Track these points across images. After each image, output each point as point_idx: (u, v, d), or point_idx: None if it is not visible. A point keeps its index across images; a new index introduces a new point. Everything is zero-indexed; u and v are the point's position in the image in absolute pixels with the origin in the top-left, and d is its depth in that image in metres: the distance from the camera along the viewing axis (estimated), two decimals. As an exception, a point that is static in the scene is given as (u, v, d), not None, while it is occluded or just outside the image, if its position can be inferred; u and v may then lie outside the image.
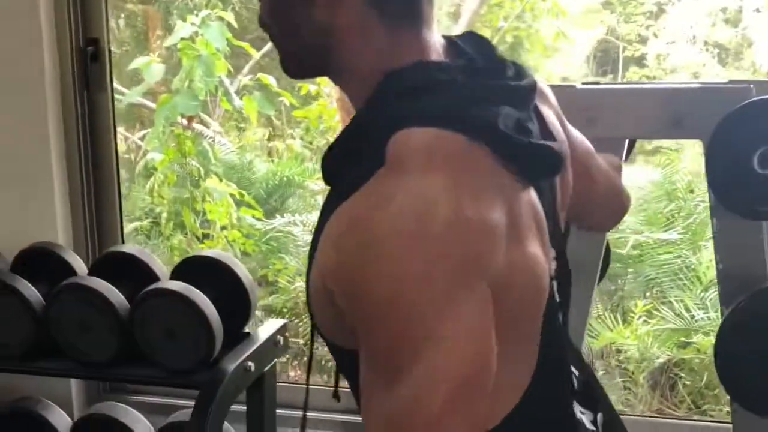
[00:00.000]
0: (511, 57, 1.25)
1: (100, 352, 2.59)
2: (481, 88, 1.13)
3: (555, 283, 1.23)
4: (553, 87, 1.96)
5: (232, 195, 5.08)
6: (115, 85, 6.59)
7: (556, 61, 6.34)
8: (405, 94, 1.11)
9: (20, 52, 2.94)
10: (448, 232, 0.99)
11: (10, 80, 2.95)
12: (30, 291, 2.62)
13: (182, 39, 5.81)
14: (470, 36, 1.26)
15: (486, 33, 4.59)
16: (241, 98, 6.05)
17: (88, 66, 3.04)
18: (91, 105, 3.08)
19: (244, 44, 5.95)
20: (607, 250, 2.28)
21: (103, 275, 2.68)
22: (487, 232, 1.02)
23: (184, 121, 5.90)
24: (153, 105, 6.10)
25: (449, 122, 1.06)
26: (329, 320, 1.15)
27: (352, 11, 1.13)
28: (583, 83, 2.13)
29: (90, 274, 2.77)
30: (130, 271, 2.72)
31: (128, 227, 5.48)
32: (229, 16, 5.86)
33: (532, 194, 1.15)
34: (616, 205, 1.72)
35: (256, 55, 6.15)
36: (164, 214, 5.43)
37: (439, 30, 1.23)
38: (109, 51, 3.09)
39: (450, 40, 1.24)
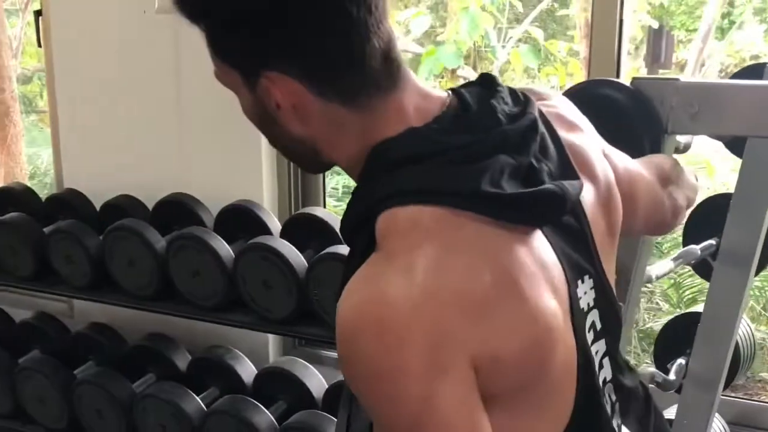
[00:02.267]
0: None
1: (279, 309, 2.74)
2: (466, 148, 1.09)
3: (596, 312, 1.21)
4: (656, 81, 1.87)
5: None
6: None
7: None
8: (388, 168, 1.10)
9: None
10: (411, 318, 0.99)
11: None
12: (223, 249, 2.82)
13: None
14: (480, 81, 1.22)
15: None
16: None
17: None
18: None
19: (513, -3, 5.96)
20: (769, 237, 2.13)
21: (292, 235, 2.85)
22: (456, 305, 1.01)
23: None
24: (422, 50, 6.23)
25: (431, 197, 1.05)
26: None
27: (317, 114, 1.12)
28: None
29: (282, 233, 2.93)
30: (318, 233, 2.85)
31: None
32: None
33: (536, 242, 1.11)
34: (659, 217, 1.61)
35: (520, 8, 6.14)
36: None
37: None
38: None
39: (456, 91, 1.19)
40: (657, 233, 1.82)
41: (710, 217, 2.23)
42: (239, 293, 2.81)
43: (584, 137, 1.30)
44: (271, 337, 3.27)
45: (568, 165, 1.19)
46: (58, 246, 3.09)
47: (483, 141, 1.10)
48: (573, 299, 1.14)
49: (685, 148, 1.99)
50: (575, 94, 1.67)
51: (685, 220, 2.39)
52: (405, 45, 6.39)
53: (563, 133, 1.24)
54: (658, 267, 2.09)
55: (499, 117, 1.13)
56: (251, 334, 3.07)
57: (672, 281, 4.72)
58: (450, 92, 1.18)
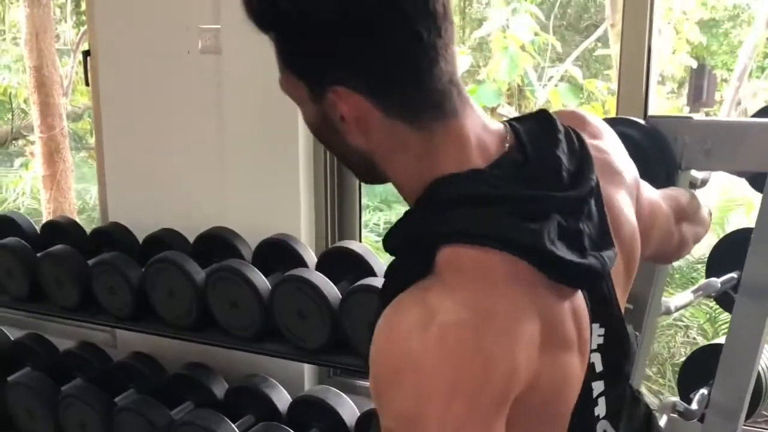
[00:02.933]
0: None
1: (313, 339, 2.82)
2: (528, 202, 1.14)
3: (598, 355, 1.27)
4: (670, 119, 1.94)
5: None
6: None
7: None
8: (453, 204, 1.14)
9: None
10: (473, 368, 1.04)
11: (266, 86, 3.22)
12: (260, 280, 2.91)
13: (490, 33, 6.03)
14: (537, 119, 1.26)
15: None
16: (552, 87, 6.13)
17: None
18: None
19: (551, 38, 6.04)
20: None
21: (327, 268, 2.93)
22: (512, 370, 1.06)
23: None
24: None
25: (495, 242, 1.10)
26: None
27: (379, 129, 1.16)
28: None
29: (318, 265, 3.01)
30: (353, 266, 2.93)
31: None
32: (536, 11, 5.96)
33: (576, 299, 1.19)
34: (665, 248, 1.66)
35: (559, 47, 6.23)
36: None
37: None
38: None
39: (513, 127, 1.24)
40: (659, 262, 1.88)
41: (732, 251, 2.28)
42: (275, 323, 2.90)
43: (623, 191, 1.36)
44: (306, 366, 3.34)
45: (606, 231, 1.24)
46: (102, 277, 3.20)
47: (544, 201, 1.15)
48: (590, 334, 1.22)
49: (702, 184, 2.05)
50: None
51: (708, 253, 2.45)
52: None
53: (606, 186, 1.28)
54: (677, 299, 2.15)
55: (563, 176, 1.18)
56: (287, 364, 3.14)
57: (708, 316, 4.74)
58: (507, 125, 1.23)
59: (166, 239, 3.34)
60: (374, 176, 1.26)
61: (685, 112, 7.06)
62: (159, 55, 3.48)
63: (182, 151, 3.49)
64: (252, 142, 3.31)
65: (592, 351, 1.25)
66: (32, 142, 7.71)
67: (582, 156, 1.22)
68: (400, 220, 1.22)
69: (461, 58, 6.27)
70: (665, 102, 7.54)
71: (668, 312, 2.08)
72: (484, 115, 1.22)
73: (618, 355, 1.32)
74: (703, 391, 2.26)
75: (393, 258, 1.23)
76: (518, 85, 6.46)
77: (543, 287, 1.12)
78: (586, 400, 1.25)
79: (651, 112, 2.83)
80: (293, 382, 3.28)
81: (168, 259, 3.07)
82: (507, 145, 1.19)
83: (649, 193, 1.52)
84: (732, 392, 2.18)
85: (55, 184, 6.51)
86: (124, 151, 3.66)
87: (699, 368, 2.39)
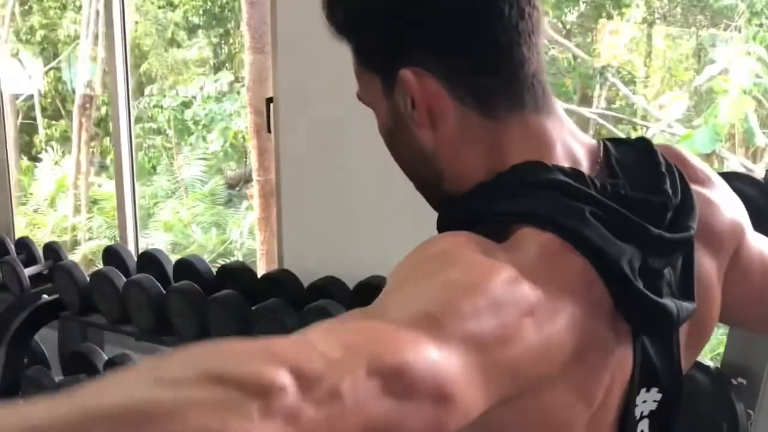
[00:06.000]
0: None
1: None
2: (623, 220, 1.01)
3: (647, 421, 1.13)
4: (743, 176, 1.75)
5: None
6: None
7: None
8: (538, 188, 1.02)
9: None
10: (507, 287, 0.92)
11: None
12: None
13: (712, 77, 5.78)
14: (636, 147, 1.14)
15: None
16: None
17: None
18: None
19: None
20: None
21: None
22: (541, 312, 0.93)
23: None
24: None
25: (579, 241, 0.98)
26: None
27: (450, 119, 1.08)
28: None
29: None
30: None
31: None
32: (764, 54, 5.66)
33: (621, 336, 1.04)
34: None
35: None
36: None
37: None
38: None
39: (605, 147, 1.12)
40: (759, 331, 1.67)
41: None
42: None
43: (717, 257, 1.20)
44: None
45: (690, 283, 1.10)
46: (261, 323, 3.25)
47: (639, 229, 1.02)
48: (629, 401, 1.08)
49: None
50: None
51: None
52: (668, 125, 6.26)
53: (700, 249, 1.14)
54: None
55: (666, 216, 1.05)
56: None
57: None
58: (600, 143, 1.12)
59: (327, 287, 3.36)
60: (441, 194, 1.16)
61: None
62: (337, 103, 3.50)
63: (350, 200, 3.52)
64: (415, 191, 3.27)
65: (643, 417, 1.11)
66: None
67: (685, 199, 1.09)
68: (457, 200, 1.11)
69: (679, 102, 6.03)
70: None
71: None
72: (573, 126, 1.11)
73: (666, 422, 1.16)
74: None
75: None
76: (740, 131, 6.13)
77: (604, 315, 0.99)
78: None
79: None
80: None
81: (320, 308, 3.08)
82: (599, 162, 1.08)
83: (765, 251, 1.33)
84: None
85: (269, 227, 6.70)
86: (299, 198, 3.72)
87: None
